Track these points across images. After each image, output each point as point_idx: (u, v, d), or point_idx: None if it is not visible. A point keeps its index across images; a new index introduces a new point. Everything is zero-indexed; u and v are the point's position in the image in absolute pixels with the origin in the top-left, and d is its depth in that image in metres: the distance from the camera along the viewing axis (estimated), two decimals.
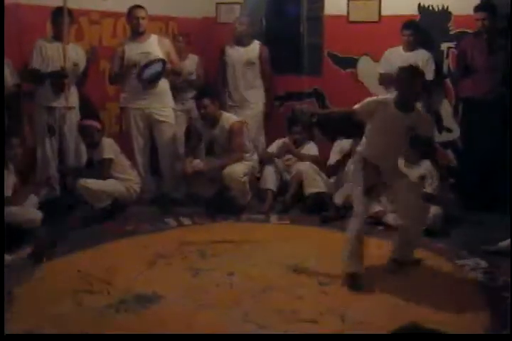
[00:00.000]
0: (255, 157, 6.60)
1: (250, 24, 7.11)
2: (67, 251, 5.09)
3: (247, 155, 6.46)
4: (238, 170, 6.22)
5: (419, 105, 4.83)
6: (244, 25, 7.07)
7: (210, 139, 6.49)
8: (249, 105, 7.17)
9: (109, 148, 6.08)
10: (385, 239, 5.38)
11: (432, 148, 4.91)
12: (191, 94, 7.07)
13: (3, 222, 4.83)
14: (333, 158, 6.41)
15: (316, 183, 6.37)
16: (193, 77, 7.23)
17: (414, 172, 5.81)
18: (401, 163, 5.82)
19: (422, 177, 5.83)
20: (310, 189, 6.37)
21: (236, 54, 7.14)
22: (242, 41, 7.13)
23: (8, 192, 5.21)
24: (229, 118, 6.44)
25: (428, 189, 5.82)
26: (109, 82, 6.78)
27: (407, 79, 4.62)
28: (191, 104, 6.95)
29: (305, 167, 6.44)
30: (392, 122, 4.61)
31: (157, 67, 6.36)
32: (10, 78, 5.67)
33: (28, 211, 5.29)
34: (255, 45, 7.14)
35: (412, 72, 4.67)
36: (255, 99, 7.20)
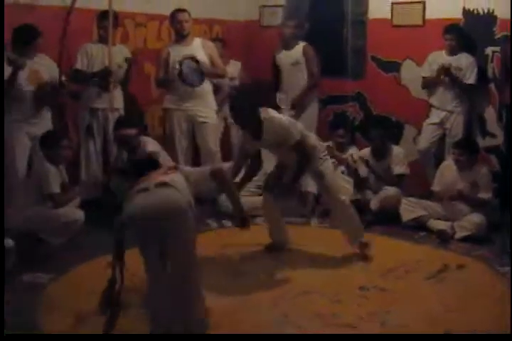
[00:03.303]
0: None
1: (296, 26, 7.11)
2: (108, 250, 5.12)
3: None
4: None
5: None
6: (290, 28, 7.05)
7: None
8: (299, 108, 7.13)
9: (152, 143, 6.03)
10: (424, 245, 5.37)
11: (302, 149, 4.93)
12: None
13: (3, 222, 4.84)
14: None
15: (347, 191, 6.32)
16: (236, 82, 7.28)
17: (466, 178, 5.78)
18: (453, 168, 5.81)
19: (475, 184, 5.79)
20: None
21: (284, 58, 7.12)
22: (288, 44, 7.11)
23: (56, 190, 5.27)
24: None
25: (482, 195, 5.78)
26: (155, 86, 6.85)
27: (235, 103, 4.92)
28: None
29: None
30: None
31: (189, 64, 6.39)
32: (47, 75, 5.71)
33: (72, 211, 5.33)
34: (300, 46, 7.11)
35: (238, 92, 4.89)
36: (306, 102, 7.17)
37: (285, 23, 7.17)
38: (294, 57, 7.07)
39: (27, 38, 5.50)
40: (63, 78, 5.72)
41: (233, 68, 7.32)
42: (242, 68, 7.47)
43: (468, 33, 6.67)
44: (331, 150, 6.66)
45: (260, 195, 5.69)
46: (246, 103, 4.77)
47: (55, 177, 5.24)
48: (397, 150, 6.44)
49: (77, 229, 5.28)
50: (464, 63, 6.53)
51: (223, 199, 6.02)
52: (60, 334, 3.78)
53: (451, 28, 6.56)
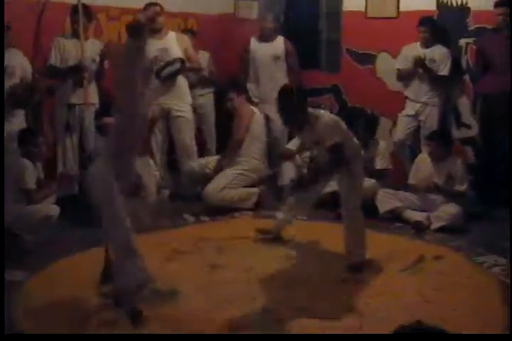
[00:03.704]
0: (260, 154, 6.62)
1: (275, 20, 7.14)
2: (84, 246, 5.11)
3: (251, 152, 6.49)
4: (213, 187, 6.26)
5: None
6: (270, 22, 7.11)
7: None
8: (272, 100, 7.15)
9: None
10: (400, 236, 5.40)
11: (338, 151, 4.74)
12: (203, 90, 7.23)
13: (3, 222, 4.82)
14: None
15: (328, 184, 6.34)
16: (205, 73, 7.28)
17: (441, 170, 5.82)
18: (428, 160, 5.85)
19: (450, 175, 5.82)
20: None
21: (261, 50, 7.15)
22: (267, 37, 7.15)
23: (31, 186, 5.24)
24: (243, 105, 6.53)
25: (458, 187, 5.82)
26: None
27: (280, 103, 4.71)
28: (201, 100, 7.15)
29: None
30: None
31: (175, 66, 6.39)
32: (20, 72, 5.66)
33: (46, 207, 5.29)
34: (280, 40, 7.16)
35: (282, 95, 4.72)
36: None
37: (264, 17, 7.18)
38: (275, 50, 7.12)
39: None
40: (36, 75, 5.68)
41: (202, 58, 7.31)
42: (210, 59, 7.46)
43: (442, 25, 6.71)
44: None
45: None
46: (293, 101, 4.65)
47: (30, 173, 5.22)
48: (382, 144, 6.43)
49: (51, 225, 5.23)
50: (438, 55, 6.56)
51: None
52: (61, 334, 3.75)
53: (425, 21, 6.59)
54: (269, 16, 7.18)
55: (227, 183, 6.30)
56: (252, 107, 6.62)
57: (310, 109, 4.72)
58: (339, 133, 4.72)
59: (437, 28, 6.63)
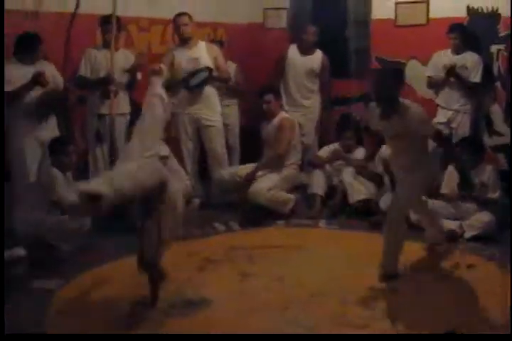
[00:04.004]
0: (297, 162, 6.63)
1: (317, 33, 7.16)
2: (116, 256, 5.14)
3: (289, 162, 6.50)
4: (262, 186, 6.25)
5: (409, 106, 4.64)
6: (312, 35, 7.15)
7: (263, 137, 6.63)
8: (304, 110, 7.21)
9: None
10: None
11: (445, 142, 4.78)
12: (228, 100, 7.28)
13: (3, 221, 4.85)
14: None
15: (358, 192, 6.33)
16: (231, 83, 7.32)
17: (473, 178, 5.74)
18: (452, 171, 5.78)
19: (483, 184, 5.76)
20: (353, 197, 6.35)
21: (299, 61, 7.23)
22: (307, 50, 7.21)
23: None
24: (282, 116, 6.56)
25: (491, 194, 5.76)
26: None
27: (378, 83, 4.62)
28: (226, 110, 7.16)
29: (347, 176, 6.41)
30: (382, 126, 4.73)
31: (203, 75, 6.42)
32: (51, 83, 5.71)
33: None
34: (318, 54, 7.23)
35: (381, 75, 4.67)
36: (312, 104, 7.29)
37: (307, 30, 7.20)
38: (311, 64, 7.20)
39: (29, 46, 5.50)
40: (67, 84, 5.73)
41: (229, 69, 7.33)
42: (237, 70, 7.49)
43: (472, 32, 6.66)
44: (339, 153, 6.66)
45: None
46: (390, 81, 4.60)
47: (61, 183, 5.24)
48: None
49: (85, 235, 5.27)
50: (470, 62, 6.51)
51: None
52: (60, 334, 3.76)
53: (455, 27, 6.55)
54: (311, 29, 7.19)
55: (273, 185, 6.32)
56: (287, 115, 6.61)
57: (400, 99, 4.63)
58: (429, 122, 4.68)
59: (468, 34, 6.59)
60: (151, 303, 4.22)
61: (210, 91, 6.63)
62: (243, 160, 7.13)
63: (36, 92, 5.51)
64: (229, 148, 7.32)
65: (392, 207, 4.80)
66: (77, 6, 5.50)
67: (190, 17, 6.49)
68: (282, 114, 6.59)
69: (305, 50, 7.24)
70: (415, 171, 4.67)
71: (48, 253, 5.13)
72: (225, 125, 7.22)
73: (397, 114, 4.56)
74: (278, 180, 6.38)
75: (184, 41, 6.53)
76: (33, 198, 5.25)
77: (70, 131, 6.13)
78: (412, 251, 5.22)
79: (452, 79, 6.53)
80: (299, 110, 7.19)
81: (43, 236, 5.12)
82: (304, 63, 7.21)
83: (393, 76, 4.68)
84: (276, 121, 6.49)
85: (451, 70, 6.46)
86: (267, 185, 6.27)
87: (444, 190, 6.00)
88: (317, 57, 7.23)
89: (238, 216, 6.28)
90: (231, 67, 7.42)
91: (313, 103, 7.30)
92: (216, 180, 6.66)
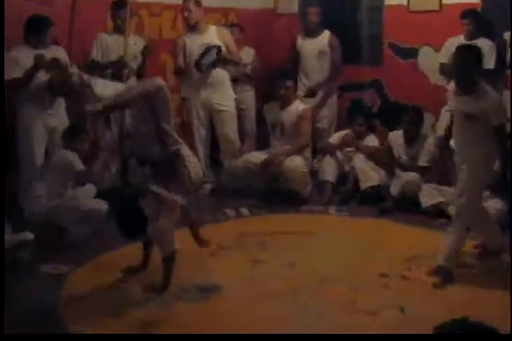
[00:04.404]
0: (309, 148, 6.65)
1: (320, 13, 7.11)
2: (126, 242, 5.14)
3: (307, 156, 6.55)
4: (299, 162, 6.28)
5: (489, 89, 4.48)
6: (314, 15, 7.09)
7: (274, 121, 6.59)
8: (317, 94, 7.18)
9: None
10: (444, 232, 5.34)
11: (504, 138, 4.45)
12: (244, 86, 7.24)
13: (4, 220, 4.83)
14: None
15: (370, 178, 6.33)
16: (248, 69, 7.29)
17: None
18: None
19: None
20: (365, 183, 6.35)
21: (307, 45, 7.18)
22: (313, 32, 7.16)
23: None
24: (299, 104, 6.56)
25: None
26: (175, 75, 6.82)
27: (458, 58, 4.50)
28: (243, 95, 7.15)
29: (359, 162, 6.41)
30: (455, 108, 4.61)
31: (214, 54, 6.39)
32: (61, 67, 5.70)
33: (94, 200, 5.35)
34: (325, 35, 7.16)
35: (463, 51, 4.53)
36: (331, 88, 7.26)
37: (309, 10, 7.16)
38: (320, 45, 7.14)
39: (39, 28, 5.49)
40: (77, 70, 5.73)
41: (246, 55, 7.32)
42: (255, 55, 7.46)
43: (486, 18, 6.60)
44: (350, 138, 6.64)
45: None
46: (470, 59, 4.47)
47: (76, 159, 5.26)
48: (431, 140, 6.31)
49: (100, 219, 5.25)
50: (483, 48, 6.44)
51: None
52: (60, 334, 3.78)
53: (468, 13, 6.49)
54: (313, 9, 7.15)
55: (305, 164, 6.43)
56: (305, 105, 6.60)
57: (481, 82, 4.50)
58: (505, 115, 4.53)
59: (481, 20, 6.52)
60: (163, 288, 4.25)
61: (222, 75, 6.61)
62: (259, 147, 7.11)
63: (45, 77, 5.51)
64: (245, 133, 7.32)
65: (460, 202, 4.56)
66: None
67: (197, 2, 6.44)
68: (299, 103, 6.58)
69: (311, 33, 7.18)
70: (483, 166, 4.51)
71: (60, 236, 5.15)
72: (241, 110, 7.21)
73: (474, 93, 4.44)
74: (307, 160, 6.47)
75: (192, 27, 6.50)
76: (43, 183, 5.26)
77: (80, 118, 6.13)
78: (421, 238, 5.20)
79: None
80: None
81: (56, 220, 5.14)
82: (313, 46, 7.15)
83: (475, 54, 4.55)
84: (293, 109, 6.49)
85: None
86: (302, 163, 6.33)
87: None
88: (324, 37, 7.16)
89: (262, 200, 6.32)
90: (249, 53, 7.40)
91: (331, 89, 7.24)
92: (228, 166, 6.66)
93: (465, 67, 4.45)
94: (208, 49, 6.38)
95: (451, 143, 4.90)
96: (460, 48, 4.57)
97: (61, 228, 5.18)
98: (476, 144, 4.49)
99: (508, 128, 4.66)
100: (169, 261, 4.26)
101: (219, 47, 6.42)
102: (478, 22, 6.47)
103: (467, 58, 4.48)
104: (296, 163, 6.28)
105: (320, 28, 7.16)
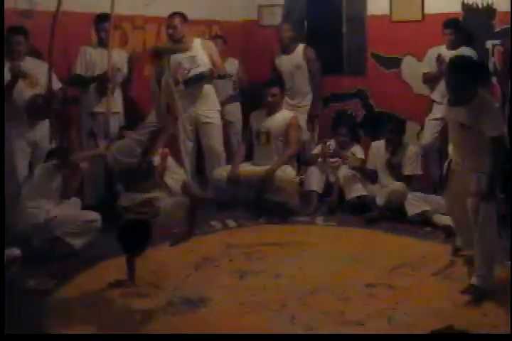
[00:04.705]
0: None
1: (293, 29, 7.10)
2: (114, 254, 5.11)
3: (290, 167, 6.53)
4: (290, 171, 6.31)
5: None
6: (287, 31, 7.06)
7: (260, 129, 6.58)
8: (299, 109, 7.13)
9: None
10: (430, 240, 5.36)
11: (502, 148, 4.33)
12: (230, 98, 7.34)
13: (4, 221, 4.85)
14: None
15: (355, 188, 6.35)
16: (234, 79, 7.32)
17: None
18: None
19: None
20: (350, 194, 6.37)
21: (284, 62, 7.16)
22: (287, 48, 7.13)
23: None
24: (286, 112, 6.61)
25: None
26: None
27: (453, 69, 4.45)
28: (229, 107, 7.24)
29: (344, 174, 6.43)
30: (448, 118, 4.61)
31: (199, 70, 6.41)
32: (42, 80, 5.66)
33: (88, 212, 5.35)
34: (299, 49, 7.13)
35: (454, 62, 4.50)
36: (305, 102, 7.19)
37: (282, 26, 7.16)
38: (295, 60, 7.12)
39: (15, 39, 5.46)
40: (59, 85, 5.73)
41: (231, 66, 7.32)
42: (239, 66, 7.48)
43: (467, 27, 6.65)
44: (327, 148, 6.64)
45: None
46: (466, 77, 4.36)
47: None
48: (412, 149, 6.35)
49: (96, 230, 5.25)
50: None
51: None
52: (60, 334, 3.77)
53: (450, 23, 6.54)
54: (286, 25, 7.14)
55: (295, 173, 6.46)
56: (292, 113, 6.63)
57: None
58: (503, 125, 4.45)
59: (463, 29, 6.58)
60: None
61: (207, 88, 6.62)
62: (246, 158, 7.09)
63: (26, 94, 5.49)
64: (232, 146, 7.31)
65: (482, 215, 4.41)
66: (59, 3, 5.43)
67: (182, 17, 6.44)
68: (286, 111, 6.62)
69: (286, 49, 7.14)
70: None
71: (55, 248, 5.18)
72: (228, 122, 7.21)
73: (469, 104, 4.36)
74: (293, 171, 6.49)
75: (176, 41, 6.49)
76: (28, 199, 5.25)
77: (65, 131, 6.12)
78: (408, 246, 5.20)
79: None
80: (294, 108, 7.10)
81: (53, 230, 5.13)
82: (290, 62, 7.12)
83: (471, 65, 4.51)
84: (280, 117, 6.52)
85: (440, 59, 6.39)
86: (293, 172, 6.38)
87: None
88: (299, 52, 7.11)
89: (249, 211, 6.34)
90: (233, 64, 7.41)
91: (305, 102, 7.19)
92: (214, 178, 6.64)
93: (460, 77, 4.39)
94: (201, 75, 6.42)
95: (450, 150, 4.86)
96: (455, 59, 4.56)
97: (55, 239, 5.16)
98: (483, 154, 4.38)
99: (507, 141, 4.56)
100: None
101: (212, 70, 6.45)
102: (460, 31, 6.53)
103: (463, 69, 4.41)
104: (288, 172, 6.30)
105: (294, 43, 7.11)
